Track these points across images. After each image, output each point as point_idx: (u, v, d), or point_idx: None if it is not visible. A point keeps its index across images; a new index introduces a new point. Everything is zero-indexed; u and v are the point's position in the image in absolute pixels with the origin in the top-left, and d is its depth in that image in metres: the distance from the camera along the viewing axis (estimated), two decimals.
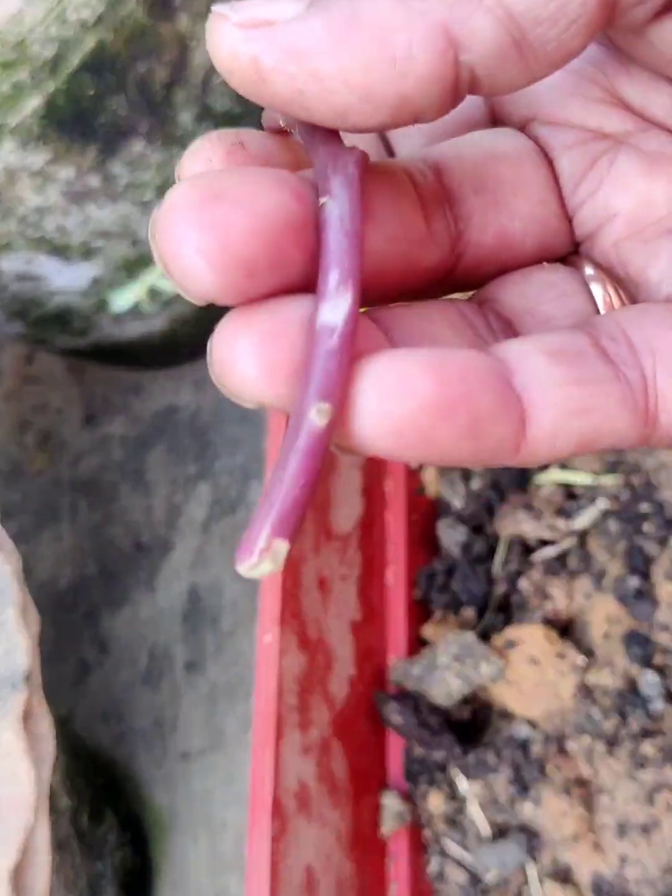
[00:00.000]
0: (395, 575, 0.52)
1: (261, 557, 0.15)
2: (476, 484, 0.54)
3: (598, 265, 0.22)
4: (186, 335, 0.69)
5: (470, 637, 0.48)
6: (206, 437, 0.71)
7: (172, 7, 0.55)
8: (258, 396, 0.16)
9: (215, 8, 0.17)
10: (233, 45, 0.16)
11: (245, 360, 0.16)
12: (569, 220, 0.22)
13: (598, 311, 0.21)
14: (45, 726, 0.39)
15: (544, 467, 0.52)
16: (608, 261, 0.22)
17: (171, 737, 0.66)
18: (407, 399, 0.15)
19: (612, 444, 0.17)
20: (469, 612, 0.51)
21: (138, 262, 0.63)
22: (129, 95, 0.55)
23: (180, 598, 0.68)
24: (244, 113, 0.62)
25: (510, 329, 0.20)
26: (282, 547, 0.16)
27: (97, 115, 0.54)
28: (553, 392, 0.16)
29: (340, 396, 0.16)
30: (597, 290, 0.21)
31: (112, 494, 0.72)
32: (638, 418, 0.17)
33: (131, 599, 0.69)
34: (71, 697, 0.68)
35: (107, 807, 0.57)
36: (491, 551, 0.52)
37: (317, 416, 0.16)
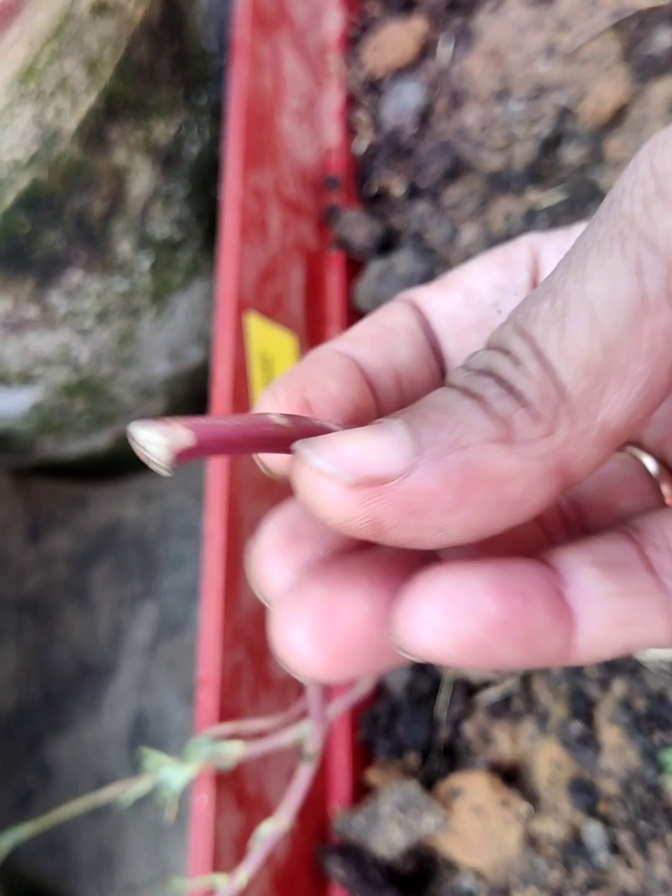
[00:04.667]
0: (339, 717, 0.51)
1: (158, 430, 0.15)
2: None
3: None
4: (131, 451, 0.68)
5: (413, 787, 0.47)
6: (151, 554, 0.70)
7: (108, 142, 0.55)
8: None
9: (307, 456, 0.16)
10: (347, 509, 0.16)
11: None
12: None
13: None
14: None
15: None
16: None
17: (118, 870, 0.64)
18: (473, 619, 0.16)
19: (647, 647, 0.18)
20: (413, 757, 0.50)
21: (79, 386, 0.62)
22: (66, 228, 0.55)
23: (125, 722, 0.66)
24: (185, 239, 0.62)
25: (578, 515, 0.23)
26: (184, 435, 0.16)
27: (33, 248, 0.54)
28: (601, 605, 0.18)
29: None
30: (665, 488, 0.23)
31: (57, 614, 0.70)
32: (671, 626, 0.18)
33: (75, 724, 0.67)
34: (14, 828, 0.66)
35: None
36: (435, 689, 0.52)
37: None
